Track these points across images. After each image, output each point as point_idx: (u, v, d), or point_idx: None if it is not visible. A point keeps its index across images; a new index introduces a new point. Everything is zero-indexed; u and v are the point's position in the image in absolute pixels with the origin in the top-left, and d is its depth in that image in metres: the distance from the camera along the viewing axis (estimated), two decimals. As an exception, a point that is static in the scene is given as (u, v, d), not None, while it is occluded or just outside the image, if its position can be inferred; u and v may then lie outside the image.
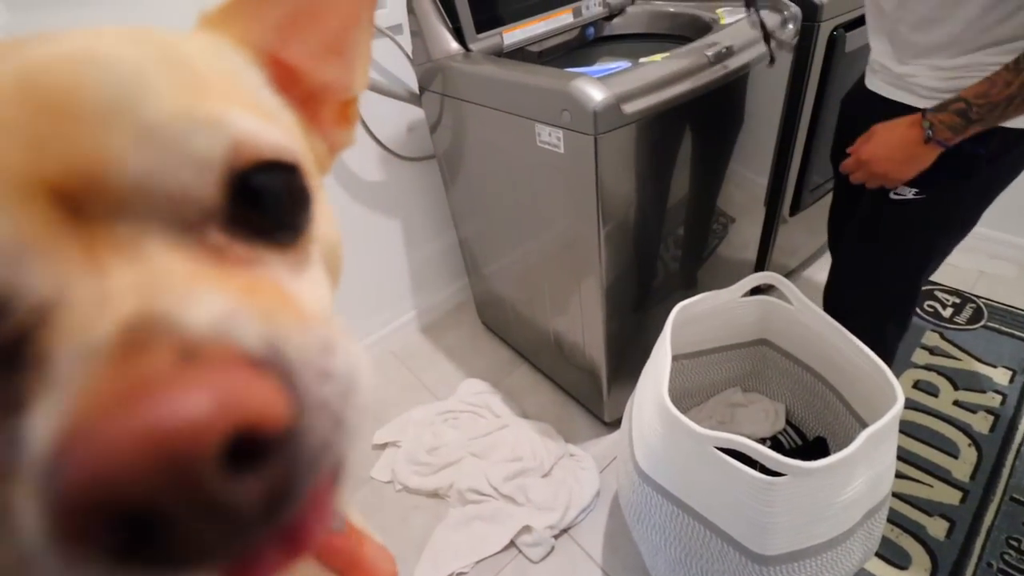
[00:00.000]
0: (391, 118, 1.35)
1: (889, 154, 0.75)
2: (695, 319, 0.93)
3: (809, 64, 1.16)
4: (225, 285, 0.15)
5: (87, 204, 0.15)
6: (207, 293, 0.14)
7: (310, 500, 0.14)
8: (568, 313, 1.14)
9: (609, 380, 1.15)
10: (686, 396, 1.11)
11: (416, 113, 1.35)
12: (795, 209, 1.41)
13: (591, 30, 1.25)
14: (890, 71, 0.80)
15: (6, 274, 0.13)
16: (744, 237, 1.34)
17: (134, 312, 0.13)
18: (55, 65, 0.16)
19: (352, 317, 1.51)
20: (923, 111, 0.71)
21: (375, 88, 1.18)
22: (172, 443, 0.11)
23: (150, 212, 0.16)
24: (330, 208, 0.25)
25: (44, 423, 0.12)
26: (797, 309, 0.91)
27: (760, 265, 1.48)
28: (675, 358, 1.01)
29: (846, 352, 0.85)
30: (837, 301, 1.00)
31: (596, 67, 0.89)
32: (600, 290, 1.00)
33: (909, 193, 0.80)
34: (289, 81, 0.24)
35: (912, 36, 0.74)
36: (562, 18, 1.15)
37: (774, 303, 0.96)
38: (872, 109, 0.82)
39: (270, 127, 0.19)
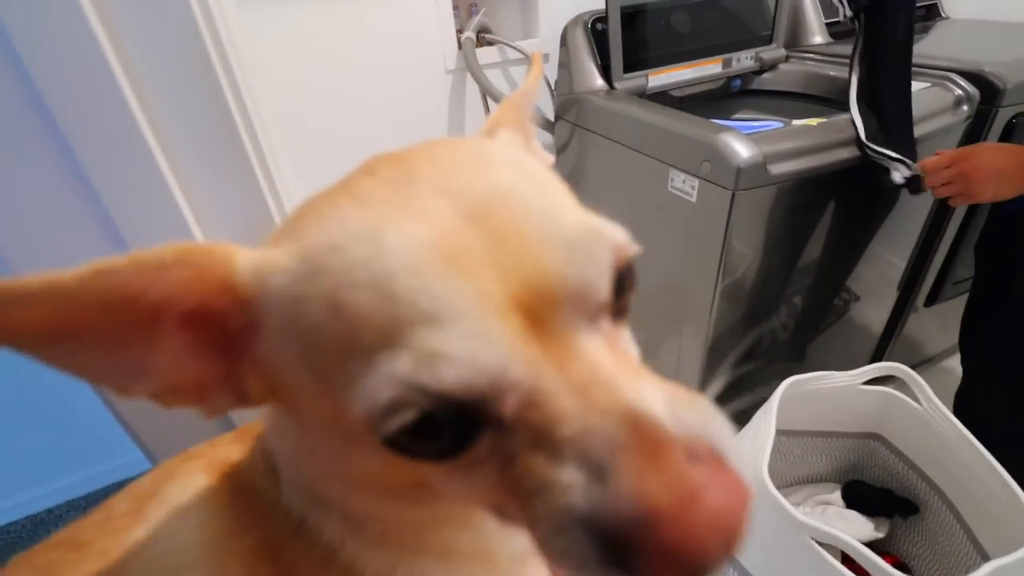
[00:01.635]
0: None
1: (987, 162, 0.73)
2: (806, 396, 0.87)
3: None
4: (636, 371, 0.21)
5: (539, 311, 0.20)
6: (643, 384, 0.20)
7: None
8: (661, 359, 1.12)
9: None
10: (778, 476, 1.04)
11: (544, 137, 1.39)
12: (932, 300, 1.28)
13: (737, 81, 1.23)
14: None
15: (504, 370, 0.19)
16: (867, 320, 1.25)
17: (618, 404, 0.19)
18: (492, 204, 0.21)
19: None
20: None
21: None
22: (721, 531, 0.18)
23: (573, 311, 0.21)
24: None
25: (620, 488, 0.18)
26: (924, 409, 0.83)
27: (880, 353, 1.36)
28: (776, 433, 0.96)
29: (976, 469, 0.76)
30: (970, 420, 0.87)
31: (741, 121, 0.87)
32: (704, 341, 0.97)
33: None
34: None
35: None
36: (711, 67, 1.15)
37: (897, 397, 0.88)
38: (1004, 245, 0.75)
39: (615, 226, 0.24)
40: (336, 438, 0.24)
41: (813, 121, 0.86)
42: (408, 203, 0.21)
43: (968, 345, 1.05)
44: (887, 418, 0.91)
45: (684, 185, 0.89)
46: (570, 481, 0.19)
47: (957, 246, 1.19)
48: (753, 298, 0.97)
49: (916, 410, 0.85)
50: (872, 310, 1.23)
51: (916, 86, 0.99)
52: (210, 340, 0.23)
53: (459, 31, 1.21)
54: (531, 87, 0.36)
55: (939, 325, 1.39)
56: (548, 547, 0.20)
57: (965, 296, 1.21)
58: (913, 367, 1.50)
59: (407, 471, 0.23)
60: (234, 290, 0.22)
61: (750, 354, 1.08)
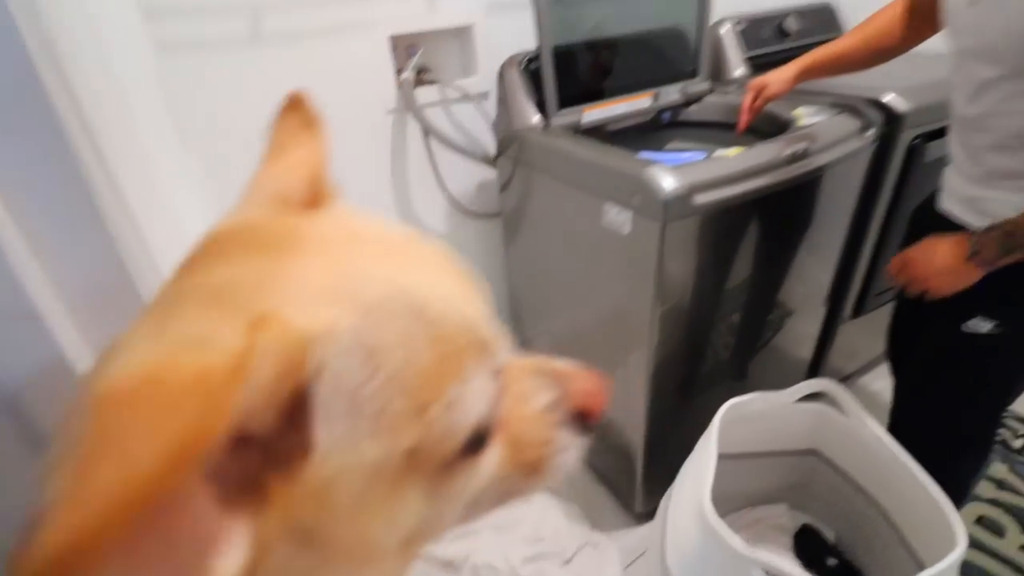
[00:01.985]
0: (463, 176, 1.42)
1: (931, 262, 0.73)
2: (744, 419, 0.90)
3: (886, 170, 1.15)
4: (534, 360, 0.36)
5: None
6: (544, 359, 0.37)
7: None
8: (612, 391, 1.13)
9: (645, 467, 1.11)
10: (725, 500, 1.05)
11: (487, 173, 1.41)
12: (858, 311, 1.36)
13: (667, 114, 1.29)
14: (962, 192, 0.77)
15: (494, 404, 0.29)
16: (801, 333, 1.30)
17: (549, 370, 0.36)
18: (440, 307, 0.26)
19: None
20: (969, 232, 0.70)
21: (458, 148, 1.26)
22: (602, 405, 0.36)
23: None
24: None
25: (571, 399, 0.36)
26: (854, 424, 0.87)
27: (816, 364, 1.42)
28: (719, 458, 0.97)
29: (905, 479, 0.79)
30: (904, 431, 0.91)
31: (670, 154, 0.91)
32: (647, 369, 0.99)
33: (985, 327, 0.75)
34: None
35: (990, 158, 0.71)
36: (641, 101, 1.20)
37: (830, 413, 0.92)
38: (940, 228, 0.79)
39: None
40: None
41: (732, 152, 0.91)
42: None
43: (894, 357, 1.10)
44: (822, 434, 0.94)
45: (618, 217, 0.92)
46: (552, 414, 0.34)
47: (875, 261, 1.27)
48: (692, 322, 1.00)
49: (847, 424, 0.88)
50: (806, 323, 1.29)
51: (827, 113, 1.06)
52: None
53: (398, 71, 1.23)
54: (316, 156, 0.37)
55: (870, 334, 1.47)
56: (553, 458, 0.33)
57: (888, 308, 1.28)
58: (851, 376, 1.57)
59: (428, 506, 0.26)
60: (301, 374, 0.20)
61: (694, 377, 1.10)
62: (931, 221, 0.83)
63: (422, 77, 1.25)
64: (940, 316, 0.80)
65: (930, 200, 0.87)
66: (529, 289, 1.36)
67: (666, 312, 0.93)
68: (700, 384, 1.12)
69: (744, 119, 1.05)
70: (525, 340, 1.50)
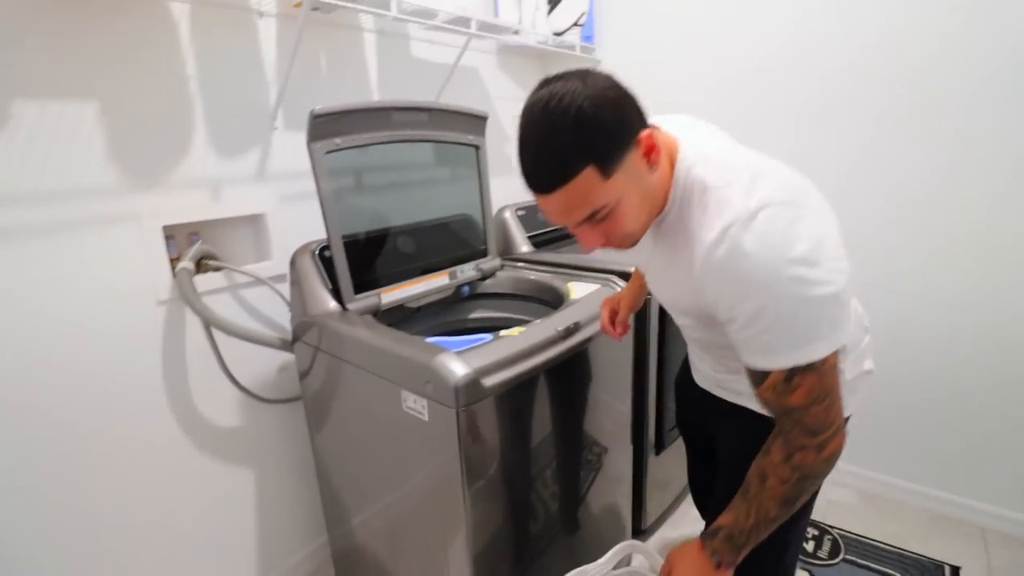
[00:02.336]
0: (259, 361, 1.31)
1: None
2: (566, 600, 0.86)
3: (647, 326, 1.36)
4: None
5: None
6: None
7: None
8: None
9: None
10: None
11: (287, 355, 1.32)
12: (660, 448, 1.49)
13: (466, 288, 1.39)
14: (708, 376, 0.91)
15: None
16: (620, 467, 1.36)
17: None
18: None
19: (172, 593, 1.21)
20: (702, 540, 0.74)
21: (244, 336, 1.16)
22: None
23: None
24: None
25: None
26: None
27: (639, 498, 1.48)
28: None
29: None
30: None
31: (458, 338, 0.96)
32: (468, 551, 0.92)
33: None
34: None
35: (708, 359, 0.87)
36: (439, 280, 1.28)
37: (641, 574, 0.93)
38: (698, 398, 0.92)
39: None
40: None
41: (516, 330, 0.99)
42: None
43: (697, 502, 1.18)
44: (643, 596, 0.94)
45: (416, 404, 0.90)
46: None
47: (660, 402, 1.44)
48: (507, 493, 0.98)
49: (660, 582, 0.90)
50: (620, 455, 1.35)
51: (588, 287, 1.24)
52: None
53: (175, 259, 1.14)
54: None
55: (678, 464, 1.61)
56: None
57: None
58: (674, 503, 1.64)
59: None
60: None
61: (525, 542, 1.05)
62: (692, 393, 0.96)
63: (206, 264, 1.17)
64: (728, 473, 0.86)
65: (686, 372, 1.01)
66: (341, 476, 1.22)
67: (478, 491, 0.90)
68: (532, 550, 1.07)
69: (617, 334, 1.05)
70: (344, 541, 1.31)
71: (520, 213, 1.60)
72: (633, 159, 0.62)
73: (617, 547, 0.90)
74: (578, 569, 0.88)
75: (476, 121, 1.33)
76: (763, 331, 0.61)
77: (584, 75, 0.61)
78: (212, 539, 1.27)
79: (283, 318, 1.31)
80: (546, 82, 0.62)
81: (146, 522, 1.15)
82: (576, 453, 1.17)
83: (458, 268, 1.33)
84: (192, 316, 1.16)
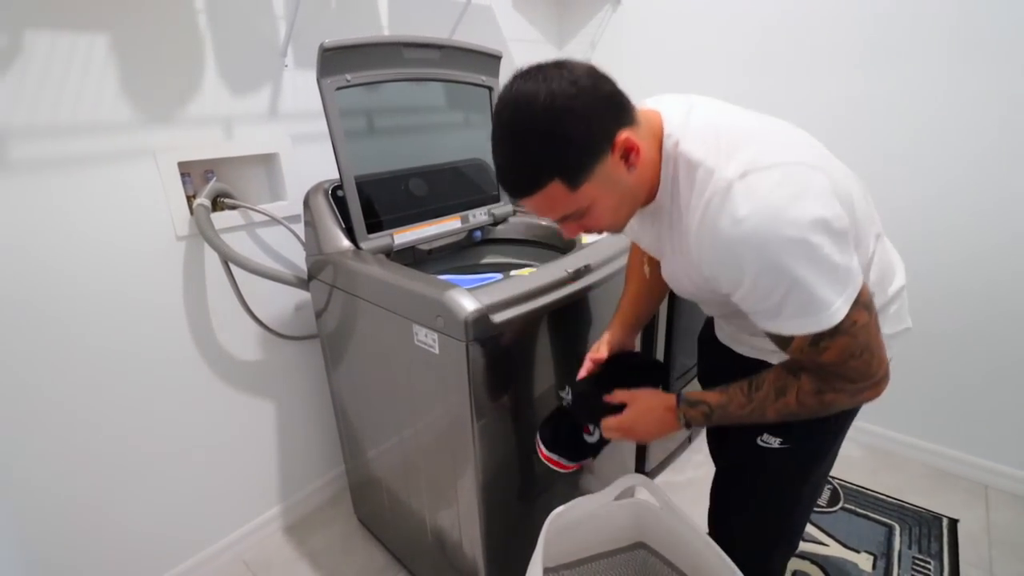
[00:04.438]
0: (280, 299, 1.34)
1: (646, 425, 0.77)
2: (571, 526, 0.90)
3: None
4: None
5: None
6: None
7: None
8: (448, 508, 1.07)
9: (488, 587, 1.04)
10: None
11: (303, 293, 1.35)
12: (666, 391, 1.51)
13: (478, 233, 1.39)
14: (727, 333, 0.88)
15: None
16: None
17: None
18: None
19: (206, 517, 1.30)
20: (678, 401, 0.74)
21: (262, 272, 1.19)
22: None
23: None
24: None
25: None
26: (669, 515, 0.92)
27: (642, 447, 1.52)
28: (554, 569, 0.95)
29: (719, 568, 0.84)
30: (721, 529, 0.95)
31: (469, 276, 0.97)
32: (476, 483, 0.96)
33: (775, 442, 0.81)
34: None
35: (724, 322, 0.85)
36: (451, 224, 1.28)
37: (647, 506, 0.96)
38: (721, 353, 0.90)
39: None
40: None
41: (525, 271, 0.99)
42: None
43: (712, 451, 1.11)
44: (645, 527, 0.98)
45: (427, 338, 0.92)
46: None
47: (669, 345, 1.45)
48: (514, 429, 1.01)
49: (663, 516, 0.93)
50: None
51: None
52: None
53: (191, 196, 1.15)
54: None
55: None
56: None
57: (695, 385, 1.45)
58: (677, 450, 1.68)
59: None
60: None
61: (530, 480, 1.10)
62: (715, 347, 0.93)
63: (222, 202, 1.19)
64: (739, 429, 0.83)
65: (708, 328, 0.98)
66: (356, 410, 1.27)
67: (486, 424, 0.93)
68: (539, 485, 1.12)
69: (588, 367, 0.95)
70: (360, 472, 1.37)
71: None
72: (606, 166, 0.61)
73: (620, 480, 0.93)
74: (581, 497, 0.91)
75: (490, 60, 1.30)
76: (764, 298, 0.59)
77: (559, 73, 0.58)
78: (234, 465, 1.34)
79: (298, 257, 1.33)
80: (520, 76, 0.60)
81: (170, 449, 1.22)
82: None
83: (470, 212, 1.32)
84: (211, 253, 1.18)
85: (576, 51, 1.99)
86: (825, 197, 0.57)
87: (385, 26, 1.46)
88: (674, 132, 0.65)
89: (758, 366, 0.82)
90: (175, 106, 1.10)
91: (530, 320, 0.94)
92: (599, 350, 0.90)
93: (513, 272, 1.00)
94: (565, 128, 0.57)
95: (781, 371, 0.67)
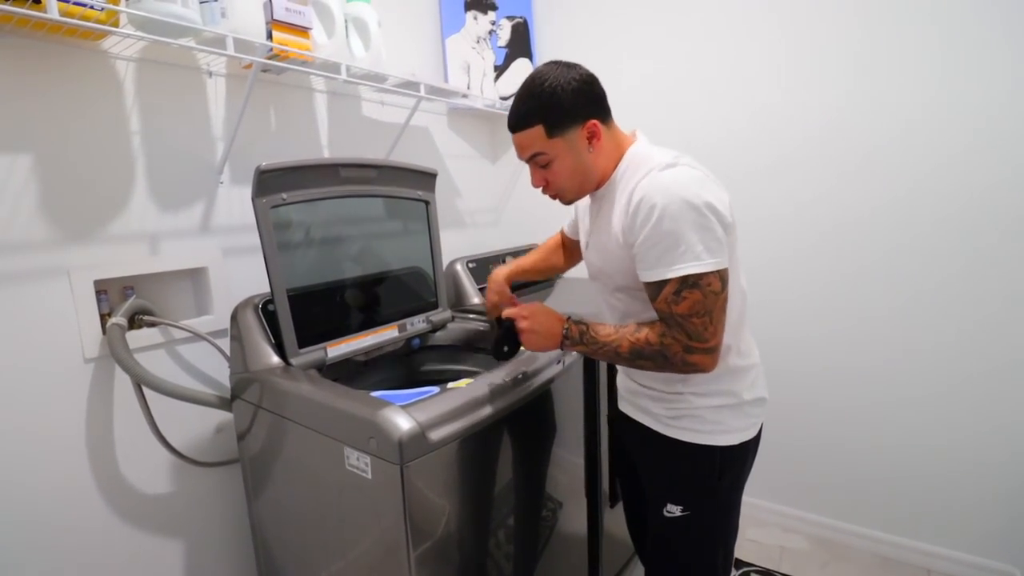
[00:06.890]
0: (194, 421, 1.24)
1: (541, 325, 0.91)
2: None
3: (595, 379, 1.37)
4: None
5: None
6: None
7: None
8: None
9: None
10: None
11: (225, 414, 1.26)
12: (614, 500, 1.48)
13: (417, 340, 1.38)
14: (625, 388, 1.00)
15: None
16: (576, 524, 1.33)
17: None
18: None
19: None
20: (569, 318, 0.91)
21: (178, 395, 1.10)
22: None
23: None
24: None
25: None
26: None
27: (595, 555, 1.45)
28: None
29: None
30: None
31: (407, 391, 0.94)
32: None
33: (677, 511, 0.94)
34: None
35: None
36: (388, 333, 1.27)
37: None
38: (620, 426, 1.01)
39: None
40: None
41: (463, 382, 0.98)
42: None
43: (639, 548, 1.21)
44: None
45: (359, 462, 0.87)
46: None
47: (613, 454, 1.44)
48: (458, 553, 0.94)
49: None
50: (576, 512, 1.33)
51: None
52: None
53: (106, 315, 1.09)
54: None
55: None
56: None
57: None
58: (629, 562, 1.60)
59: None
60: None
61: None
62: (621, 428, 1.05)
63: (141, 319, 1.12)
64: (651, 505, 0.97)
65: (614, 407, 1.10)
66: (280, 542, 1.14)
67: (423, 553, 0.86)
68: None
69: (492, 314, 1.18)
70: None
71: (471, 265, 1.63)
72: (576, 134, 0.85)
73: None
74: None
75: (425, 177, 1.37)
76: (655, 245, 0.77)
77: (572, 66, 0.85)
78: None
79: (223, 375, 1.25)
80: (549, 62, 0.86)
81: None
82: (531, 509, 1.14)
83: (408, 320, 1.32)
84: (123, 375, 1.10)
85: (509, 163, 2.15)
86: (723, 200, 0.80)
87: (325, 145, 1.53)
88: (639, 147, 0.89)
89: (647, 439, 0.97)
90: (97, 224, 1.07)
91: (471, 434, 0.92)
92: (499, 279, 1.15)
93: (451, 384, 0.98)
94: (559, 97, 0.83)
95: (643, 322, 0.86)
